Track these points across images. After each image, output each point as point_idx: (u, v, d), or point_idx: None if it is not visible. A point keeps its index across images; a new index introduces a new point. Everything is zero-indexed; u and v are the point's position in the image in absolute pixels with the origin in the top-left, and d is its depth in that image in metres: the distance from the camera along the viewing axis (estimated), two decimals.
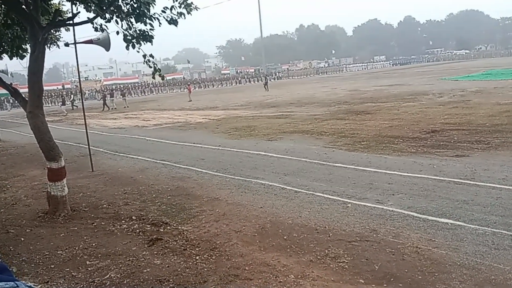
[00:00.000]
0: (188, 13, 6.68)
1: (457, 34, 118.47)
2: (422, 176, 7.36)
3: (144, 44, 6.98)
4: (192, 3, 6.65)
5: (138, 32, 6.91)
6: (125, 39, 6.86)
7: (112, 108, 33.25)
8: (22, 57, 8.08)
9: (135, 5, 6.45)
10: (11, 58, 9.89)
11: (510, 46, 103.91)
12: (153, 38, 6.98)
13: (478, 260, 4.30)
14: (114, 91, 42.58)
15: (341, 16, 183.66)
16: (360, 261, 4.51)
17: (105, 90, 42.81)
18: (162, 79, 7.70)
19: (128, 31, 6.87)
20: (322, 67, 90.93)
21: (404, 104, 17.91)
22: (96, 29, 7.21)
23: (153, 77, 7.46)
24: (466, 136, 10.14)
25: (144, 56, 7.00)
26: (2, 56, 9.83)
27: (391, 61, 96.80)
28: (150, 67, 7.15)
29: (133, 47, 6.92)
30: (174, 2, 6.58)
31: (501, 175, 6.98)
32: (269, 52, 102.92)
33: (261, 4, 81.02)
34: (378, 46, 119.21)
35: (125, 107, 33.70)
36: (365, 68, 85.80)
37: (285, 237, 5.27)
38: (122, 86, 62.31)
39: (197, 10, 6.81)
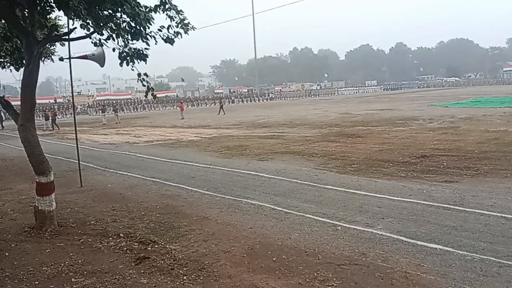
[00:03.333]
0: (185, 32, 6.75)
1: (448, 62, 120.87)
2: (411, 200, 7.39)
3: (138, 62, 7.02)
4: (189, 23, 6.73)
5: (133, 50, 6.95)
6: (119, 57, 6.89)
7: (102, 124, 33.21)
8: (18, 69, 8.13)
9: (133, 23, 6.51)
10: (3, 68, 9.93)
11: (499, 75, 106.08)
12: (147, 57, 7.03)
13: (466, 287, 4.30)
14: (105, 106, 42.42)
15: (333, 40, 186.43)
16: (349, 285, 4.48)
17: (53, 108, 41.20)
18: (154, 98, 7.72)
19: (123, 49, 6.91)
20: (314, 89, 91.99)
21: (394, 128, 18.11)
22: (95, 44, 7.24)
23: (146, 96, 7.48)
24: (455, 162, 10.25)
25: (139, 74, 7.03)
26: None
27: (382, 86, 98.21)
28: (144, 85, 7.18)
29: (127, 64, 6.95)
30: (171, 21, 6.66)
31: (489, 201, 7.04)
32: (262, 73, 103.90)
33: (255, 27, 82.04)
34: (370, 71, 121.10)
35: (116, 122, 33.64)
36: (356, 92, 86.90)
37: (274, 259, 5.23)
38: (114, 102, 62.18)
39: (193, 30, 6.89)
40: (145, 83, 7.16)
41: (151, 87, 7.30)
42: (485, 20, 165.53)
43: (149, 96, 7.38)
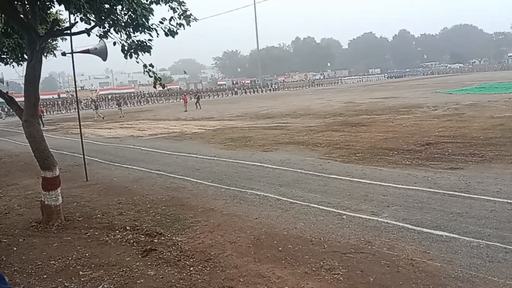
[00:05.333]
0: (188, 24, 6.73)
1: (451, 48, 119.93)
2: (416, 188, 7.38)
3: (143, 54, 7.01)
4: (191, 14, 6.71)
5: (136, 42, 6.94)
6: (122, 50, 6.88)
7: (94, 119, 32.85)
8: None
9: (133, 16, 6.49)
10: (6, 64, 9.95)
11: (503, 60, 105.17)
12: (151, 48, 7.01)
13: (472, 273, 4.30)
14: (97, 102, 42.00)
15: (336, 29, 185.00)
16: (355, 273, 4.50)
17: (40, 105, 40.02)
18: (163, 87, 7.71)
19: (126, 42, 6.90)
20: (317, 79, 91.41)
21: (398, 116, 18.02)
22: (100, 37, 7.22)
23: (154, 87, 7.46)
24: (461, 149, 10.21)
25: (145, 66, 7.03)
26: None
27: (386, 74, 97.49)
28: (151, 76, 7.17)
29: (131, 57, 6.95)
30: (174, 13, 6.64)
31: (495, 188, 7.02)
32: (265, 64, 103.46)
33: (257, 17, 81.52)
34: (373, 59, 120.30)
35: (120, 116, 33.68)
36: (360, 81, 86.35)
37: (280, 249, 5.25)
38: (118, 95, 62.19)
39: (196, 21, 6.86)
40: (151, 74, 7.15)
41: (159, 77, 7.30)
42: (488, 5, 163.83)
43: (158, 88, 7.38)
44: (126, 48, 6.93)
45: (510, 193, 6.70)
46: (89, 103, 52.33)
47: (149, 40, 6.93)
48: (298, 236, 5.63)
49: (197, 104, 38.10)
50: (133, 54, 6.96)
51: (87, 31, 6.93)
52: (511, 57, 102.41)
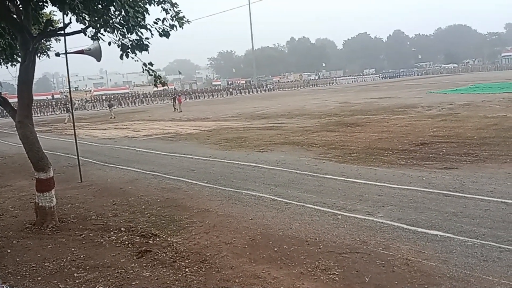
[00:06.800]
0: (180, 26, 6.72)
1: (446, 48, 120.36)
2: (411, 188, 7.41)
3: (141, 53, 6.98)
4: (183, 16, 6.70)
5: (134, 41, 6.91)
6: (122, 49, 6.84)
7: (65, 122, 32.39)
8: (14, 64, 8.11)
9: (126, 17, 6.46)
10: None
11: (497, 60, 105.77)
12: (148, 46, 6.99)
13: (467, 272, 4.32)
14: (68, 105, 41.35)
15: (331, 29, 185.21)
16: (351, 273, 4.50)
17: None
18: (163, 85, 7.68)
19: (122, 41, 6.87)
20: (312, 79, 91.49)
21: (393, 116, 18.08)
22: (92, 39, 7.19)
23: (155, 85, 7.42)
24: (455, 149, 10.25)
25: (144, 64, 7.00)
26: None
27: (380, 74, 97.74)
28: (150, 75, 7.16)
29: (127, 56, 6.92)
30: (166, 14, 6.63)
31: (489, 187, 7.06)
32: (260, 64, 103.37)
33: (252, 17, 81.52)
34: (368, 59, 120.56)
35: (113, 117, 33.52)
36: (355, 81, 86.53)
37: (275, 249, 5.25)
38: (111, 96, 61.94)
39: (188, 23, 6.86)
40: (151, 72, 7.13)
41: (159, 76, 7.28)
42: (482, 5, 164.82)
43: (154, 88, 7.37)
44: (123, 47, 6.90)
45: (504, 192, 6.74)
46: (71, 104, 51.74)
47: (146, 38, 6.90)
48: (294, 236, 5.63)
49: (174, 106, 36.44)
50: (130, 53, 6.92)
51: (81, 31, 6.90)
52: (504, 57, 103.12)
